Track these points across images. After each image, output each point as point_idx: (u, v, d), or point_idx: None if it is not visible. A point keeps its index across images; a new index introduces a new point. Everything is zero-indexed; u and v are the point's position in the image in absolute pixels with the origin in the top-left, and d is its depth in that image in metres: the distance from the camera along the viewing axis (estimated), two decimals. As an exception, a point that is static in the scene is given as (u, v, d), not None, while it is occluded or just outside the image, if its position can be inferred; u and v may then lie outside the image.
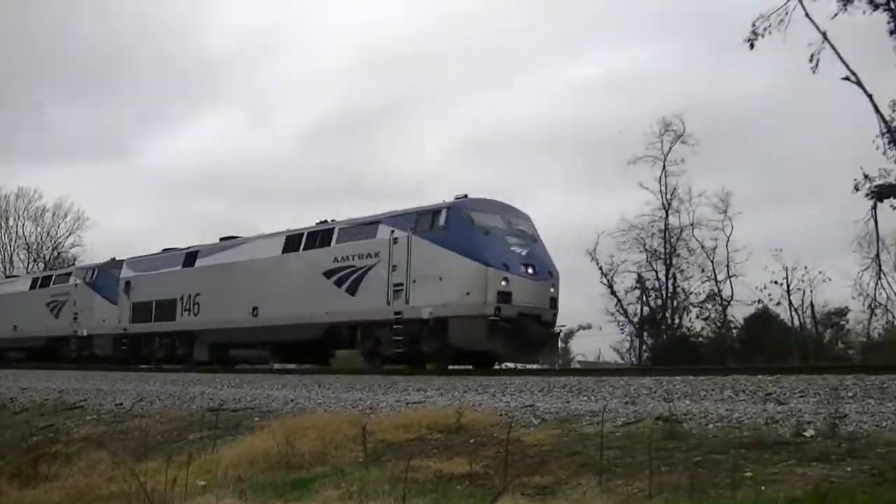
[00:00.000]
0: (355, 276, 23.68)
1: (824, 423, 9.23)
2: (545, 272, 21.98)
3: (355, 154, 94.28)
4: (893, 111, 30.22)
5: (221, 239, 30.33)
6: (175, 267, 31.04)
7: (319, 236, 25.39)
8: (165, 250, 33.06)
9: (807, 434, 9.05)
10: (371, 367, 23.40)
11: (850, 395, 11.53)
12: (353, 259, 23.84)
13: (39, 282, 40.67)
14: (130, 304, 32.73)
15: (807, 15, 30.95)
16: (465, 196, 22.62)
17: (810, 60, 30.57)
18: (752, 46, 31.15)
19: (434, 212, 22.44)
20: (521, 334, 20.86)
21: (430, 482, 8.74)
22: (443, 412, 12.08)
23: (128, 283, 33.22)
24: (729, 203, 41.53)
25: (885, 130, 30.43)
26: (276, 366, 27.49)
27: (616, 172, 75.84)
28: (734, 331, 41.07)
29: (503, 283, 20.86)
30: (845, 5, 30.48)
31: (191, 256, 30.65)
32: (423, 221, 22.43)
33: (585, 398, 13.68)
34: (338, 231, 24.83)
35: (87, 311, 35.22)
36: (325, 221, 26.12)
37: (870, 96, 30.62)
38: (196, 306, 29.50)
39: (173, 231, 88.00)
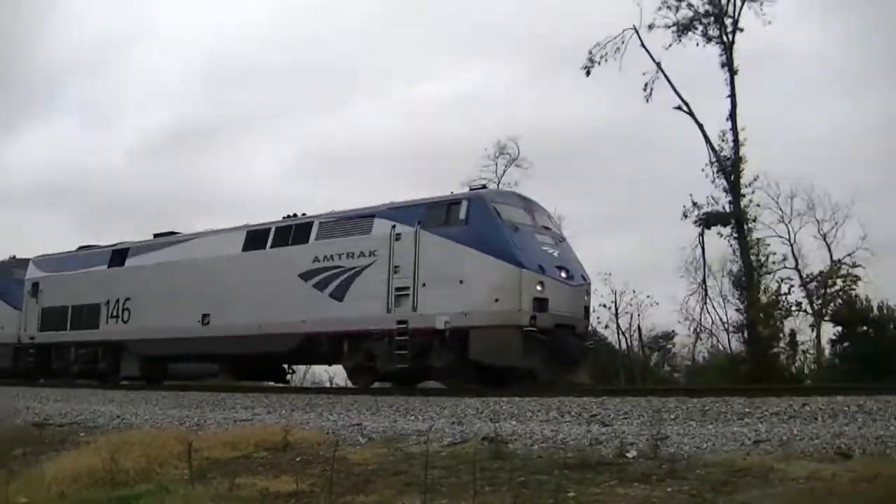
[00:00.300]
0: (343, 278, 20.06)
1: (647, 445, 9.40)
2: (579, 277, 18.97)
3: (194, 168, 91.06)
4: (722, 141, 31.07)
5: (156, 235, 26.04)
6: (98, 267, 26.52)
7: (293, 232, 21.62)
8: (82, 248, 28.42)
9: (629, 455, 9.23)
10: (359, 385, 19.85)
11: (672, 417, 11.82)
12: (339, 258, 20.22)
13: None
14: (39, 309, 27.92)
15: (642, 45, 31.93)
16: (484, 186, 19.36)
17: (644, 89, 31.83)
18: (588, 73, 31.96)
19: (450, 203, 19.08)
20: (559, 348, 17.79)
21: (255, 500, 8.64)
22: (270, 430, 12.06)
23: (35, 286, 28.38)
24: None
25: (713, 159, 31.54)
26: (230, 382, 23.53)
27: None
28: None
29: (539, 287, 17.73)
30: (679, 37, 31.92)
31: (119, 255, 26.20)
32: (436, 215, 19.03)
33: (413, 417, 13.91)
34: (318, 226, 21.14)
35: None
36: (295, 216, 22.41)
37: (700, 126, 31.42)
38: (126, 312, 25.11)
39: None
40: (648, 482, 8.00)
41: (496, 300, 17.60)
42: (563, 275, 18.37)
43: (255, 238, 22.41)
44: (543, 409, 13.29)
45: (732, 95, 31.10)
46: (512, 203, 19.13)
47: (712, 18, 31.97)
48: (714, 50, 31.85)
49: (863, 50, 54.18)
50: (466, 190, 21.85)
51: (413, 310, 18.67)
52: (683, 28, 32.04)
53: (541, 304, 17.65)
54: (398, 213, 19.70)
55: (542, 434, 11.03)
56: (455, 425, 12.50)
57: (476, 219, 18.39)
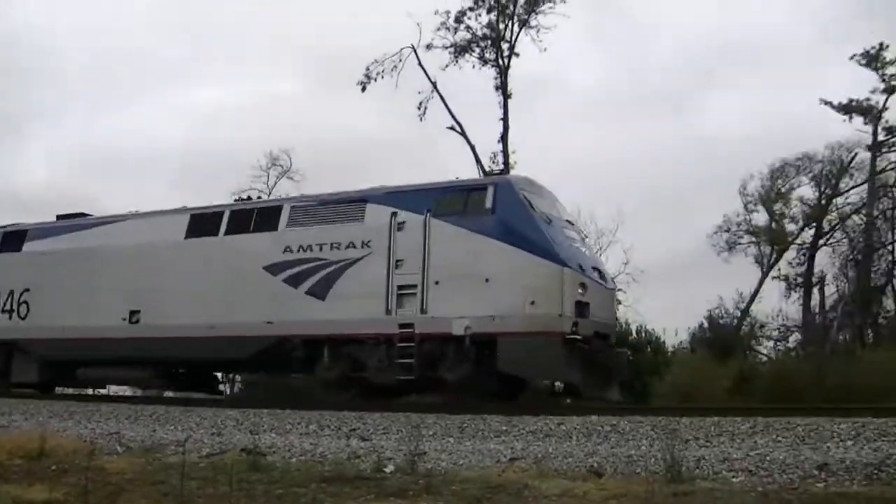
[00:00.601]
0: (325, 273, 16.94)
1: (404, 460, 9.52)
2: (610, 279, 16.73)
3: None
4: (493, 162, 30.60)
5: (60, 217, 21.78)
6: None
7: (255, 217, 18.23)
8: None
9: (387, 470, 9.39)
10: (333, 399, 16.73)
11: (431, 433, 11.95)
12: (319, 249, 17.07)
13: None
14: None
15: (420, 64, 31.90)
16: (501, 172, 16.76)
17: (419, 108, 31.82)
18: (364, 89, 31.89)
19: (471, 189, 16.39)
20: (598, 360, 15.48)
21: (6, 509, 8.49)
22: (26, 437, 11.74)
23: None
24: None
25: None
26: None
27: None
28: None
29: (580, 290, 15.37)
30: (456, 59, 32.12)
31: (14, 238, 21.73)
32: (452, 201, 16.25)
33: (172, 427, 13.96)
34: (289, 211, 17.87)
35: None
36: (248, 199, 19.06)
37: (472, 147, 31.21)
38: (23, 307, 20.77)
39: None
40: (405, 497, 8.12)
41: (532, 303, 15.05)
42: (598, 276, 16.10)
43: (203, 223, 18.82)
44: (303, 422, 13.52)
45: (505, 118, 31.30)
46: (538, 192, 16.63)
47: (489, 42, 32.30)
48: (491, 72, 32.33)
49: (633, 80, 56.41)
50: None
51: (422, 311, 15.85)
52: (461, 50, 32.16)
53: (582, 308, 15.29)
54: (399, 198, 16.79)
55: (301, 447, 11.28)
56: (214, 436, 12.73)
57: (505, 207, 15.77)
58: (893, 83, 32.87)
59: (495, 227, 15.62)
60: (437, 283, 15.80)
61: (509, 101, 31.47)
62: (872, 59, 33.12)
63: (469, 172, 29.96)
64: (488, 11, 32.23)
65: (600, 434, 11.27)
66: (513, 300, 15.15)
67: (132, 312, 18.95)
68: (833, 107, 33.40)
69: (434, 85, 31.89)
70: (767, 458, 9.03)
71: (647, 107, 55.97)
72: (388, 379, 16.11)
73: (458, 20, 32.19)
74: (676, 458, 8.38)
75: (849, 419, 10.78)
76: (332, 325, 16.58)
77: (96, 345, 19.07)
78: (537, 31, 31.94)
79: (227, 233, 18.33)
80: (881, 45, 32.78)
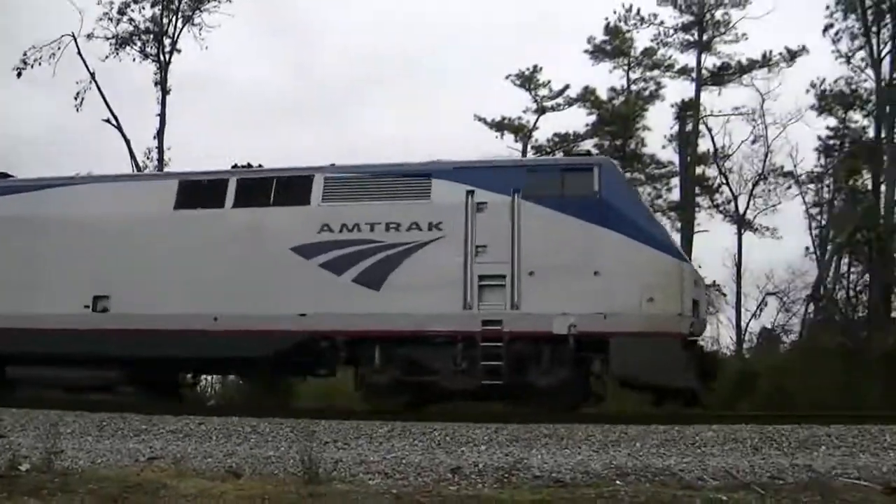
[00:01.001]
0: (378, 258, 14.24)
1: (41, 458, 9.41)
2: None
3: None
4: (147, 158, 31.05)
5: None
6: None
7: (276, 187, 15.13)
8: None
9: (22, 468, 9.21)
10: (377, 407, 14.16)
11: (69, 431, 11.91)
12: (370, 230, 14.35)
13: None
14: None
15: (79, 53, 30.90)
16: (588, 152, 14.89)
17: (76, 98, 30.70)
18: (19, 75, 30.42)
19: (570, 168, 14.34)
20: (705, 363, 14.09)
21: None
22: None
23: None
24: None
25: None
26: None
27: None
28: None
29: (695, 286, 13.90)
30: (118, 50, 31.70)
31: None
32: (547, 181, 14.10)
33: None
34: (322, 182, 14.93)
35: None
36: (250, 166, 15.88)
37: (127, 141, 30.99)
38: None
39: None
40: (39, 496, 7.99)
41: (650, 300, 13.37)
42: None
43: (199, 192, 15.31)
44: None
45: (162, 114, 31.29)
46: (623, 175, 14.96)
47: (152, 36, 32.12)
48: (152, 68, 32.07)
49: (297, 85, 59.10)
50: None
51: (512, 307, 13.69)
52: (122, 42, 31.78)
53: (694, 307, 13.83)
54: (475, 174, 14.45)
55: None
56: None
57: (612, 191, 13.92)
58: (545, 104, 35.14)
59: (604, 213, 13.75)
60: (531, 274, 13.70)
61: (168, 97, 31.31)
62: (526, 81, 35.33)
63: (125, 167, 29.74)
64: (152, 5, 31.88)
65: (240, 435, 11.51)
66: (628, 296, 13.36)
67: (97, 298, 15.16)
68: (486, 123, 35.17)
69: (92, 76, 30.68)
70: (404, 461, 9.40)
71: (307, 111, 57.43)
72: (468, 384, 13.77)
73: (122, 12, 31.70)
74: (314, 459, 8.56)
75: (482, 425, 11.54)
76: (390, 320, 13.93)
77: (42, 338, 14.99)
78: (200, 30, 31.96)
79: (235, 205, 15.09)
80: (535, 67, 35.17)
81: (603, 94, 34.36)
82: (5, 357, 15.59)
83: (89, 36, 31.39)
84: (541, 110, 34.94)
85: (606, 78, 40.57)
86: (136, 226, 15.33)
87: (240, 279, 14.60)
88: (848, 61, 30.35)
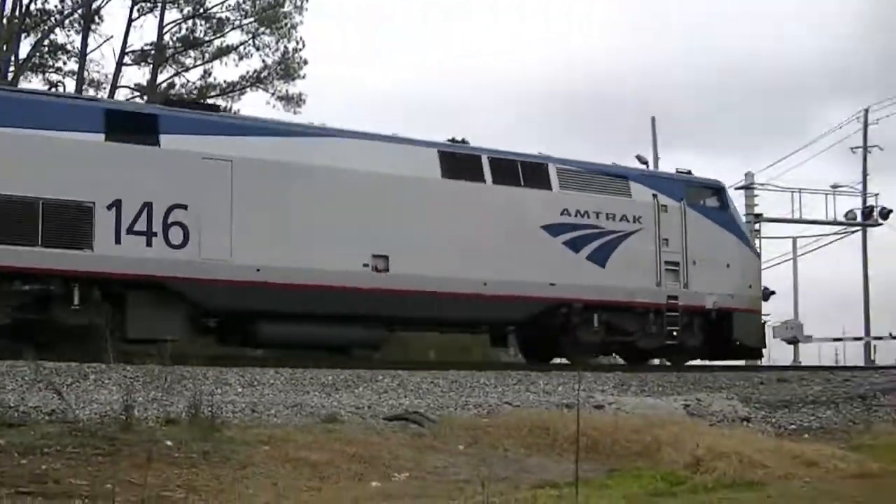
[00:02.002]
0: (603, 241, 17.60)
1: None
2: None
3: None
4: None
5: (202, 107, 14.51)
6: (72, 133, 13.40)
7: (521, 170, 16.95)
8: None
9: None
10: (578, 361, 17.63)
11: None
12: (596, 217, 17.55)
13: None
14: None
15: None
16: (690, 172, 19.87)
17: None
18: None
19: (707, 186, 19.31)
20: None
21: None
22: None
23: None
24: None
25: None
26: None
27: None
28: None
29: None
30: None
31: (136, 123, 13.98)
32: (697, 194, 19.11)
33: None
34: (556, 172, 17.31)
35: None
36: (464, 141, 17.14)
37: None
38: (174, 230, 13.75)
39: None
40: None
41: (750, 286, 19.43)
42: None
43: (459, 164, 16.33)
44: None
45: None
46: None
47: None
48: None
49: None
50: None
51: (684, 286, 18.40)
52: None
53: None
54: (656, 181, 18.64)
55: None
56: None
57: (731, 206, 19.54)
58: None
59: (729, 221, 19.35)
60: (693, 263, 18.59)
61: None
62: None
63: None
64: None
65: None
66: (741, 283, 19.25)
67: (375, 258, 15.31)
68: None
69: None
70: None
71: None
72: (653, 344, 18.12)
73: None
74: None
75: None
76: (611, 292, 17.52)
77: (318, 296, 14.75)
78: None
79: (494, 182, 16.59)
80: None
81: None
82: (255, 314, 14.69)
83: None
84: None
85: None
86: (408, 188, 15.83)
87: (503, 249, 16.49)
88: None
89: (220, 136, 14.68)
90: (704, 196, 19.43)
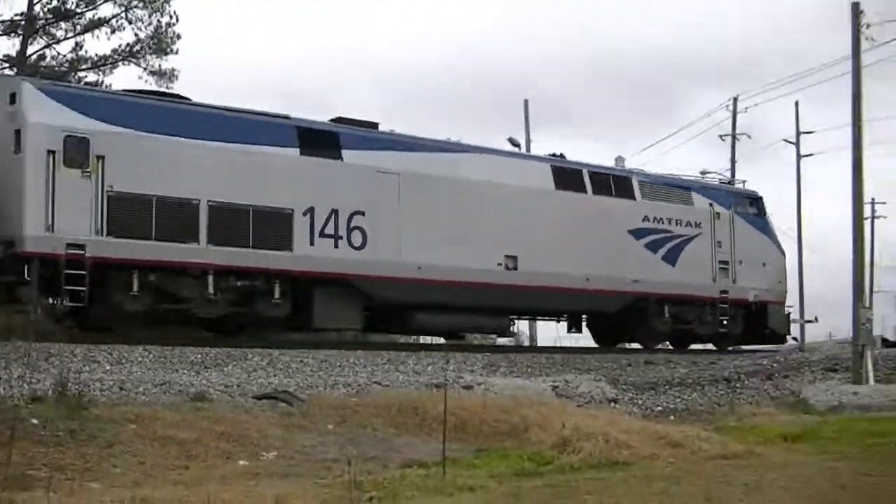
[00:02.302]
0: (674, 243, 20.58)
1: None
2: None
3: None
4: None
5: (369, 127, 16.63)
6: (269, 147, 15.62)
7: (612, 182, 19.69)
8: (163, 96, 15.26)
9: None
10: (648, 347, 20.55)
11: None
12: (668, 223, 20.48)
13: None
14: (96, 192, 13.67)
15: None
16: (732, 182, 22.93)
17: None
18: None
19: (748, 196, 22.45)
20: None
21: None
22: None
23: (82, 143, 13.57)
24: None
25: None
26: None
27: None
28: None
29: (782, 274, 23.49)
30: None
31: (319, 139, 16.06)
32: (742, 203, 22.26)
33: None
34: (638, 183, 20.12)
35: None
36: (561, 155, 19.73)
37: None
38: (355, 234, 15.91)
39: None
40: None
41: (779, 282, 22.67)
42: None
43: (567, 177, 18.96)
44: None
45: None
46: None
47: None
48: None
49: None
50: None
51: (733, 282, 21.43)
52: None
53: (782, 286, 23.48)
54: (711, 192, 21.69)
55: None
56: None
57: (765, 213, 22.64)
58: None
59: (765, 226, 22.51)
60: (740, 262, 21.65)
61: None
62: None
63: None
64: None
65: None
66: (773, 279, 22.46)
67: (508, 258, 17.79)
68: None
69: None
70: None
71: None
72: (709, 331, 21.11)
73: None
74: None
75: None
76: (679, 287, 20.45)
77: (464, 290, 17.19)
78: None
79: (593, 192, 19.24)
80: None
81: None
82: (411, 306, 17.04)
83: None
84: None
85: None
86: (531, 198, 18.38)
87: (600, 250, 19.18)
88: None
89: (380, 152, 16.97)
90: (747, 204, 22.54)
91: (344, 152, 16.44)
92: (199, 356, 13.06)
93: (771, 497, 7.43)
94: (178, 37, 26.56)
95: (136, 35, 26.53)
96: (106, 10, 26.28)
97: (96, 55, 26.81)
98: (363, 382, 12.52)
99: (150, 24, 26.42)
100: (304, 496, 6.94)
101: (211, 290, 14.92)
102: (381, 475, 7.82)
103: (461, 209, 17.52)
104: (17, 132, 13.72)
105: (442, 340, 20.67)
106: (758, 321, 22.08)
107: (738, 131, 35.93)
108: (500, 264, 17.84)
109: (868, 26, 17.10)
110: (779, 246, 23.07)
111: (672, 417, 12.86)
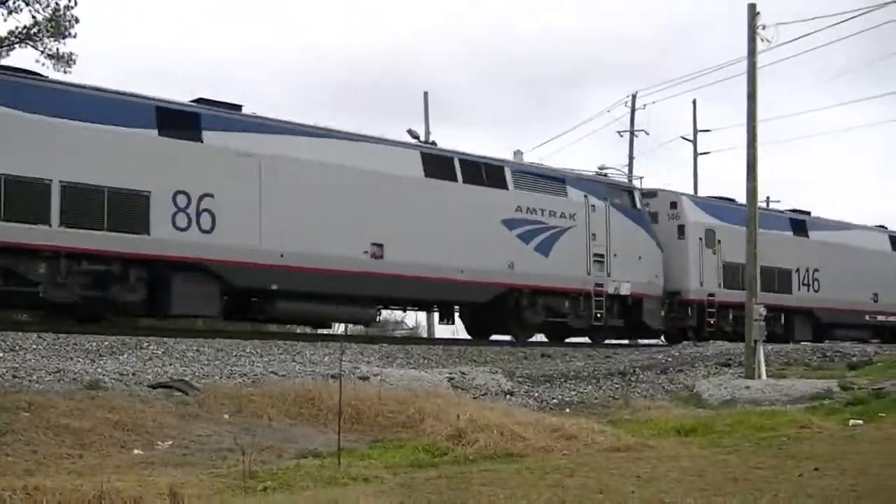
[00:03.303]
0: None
1: None
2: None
3: None
4: None
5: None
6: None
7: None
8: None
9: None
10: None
11: None
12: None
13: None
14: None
15: None
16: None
17: None
18: None
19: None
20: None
21: None
22: None
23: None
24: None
25: None
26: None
27: None
28: None
29: (662, 267, 23.77)
30: None
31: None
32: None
33: None
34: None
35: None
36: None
37: None
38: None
39: None
40: None
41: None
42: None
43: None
44: None
45: None
46: None
47: None
48: None
49: None
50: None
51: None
52: None
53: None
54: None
55: None
56: None
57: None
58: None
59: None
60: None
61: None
62: None
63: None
64: None
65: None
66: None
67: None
68: None
69: None
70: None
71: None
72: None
73: None
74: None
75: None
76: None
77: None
78: None
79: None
80: None
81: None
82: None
83: None
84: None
85: None
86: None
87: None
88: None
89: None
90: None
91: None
92: (94, 344, 13.05)
93: (663, 488, 7.59)
94: (77, 20, 25.82)
95: (33, 17, 25.65)
96: (3, -9, 25.21)
97: (-7, 36, 25.74)
98: (259, 372, 12.62)
99: (47, 5, 25.56)
100: (198, 485, 7.07)
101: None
102: (277, 465, 7.95)
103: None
104: None
105: (341, 330, 20.69)
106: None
107: (636, 128, 36.54)
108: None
109: (764, 27, 17.51)
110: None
111: (567, 410, 13.10)
